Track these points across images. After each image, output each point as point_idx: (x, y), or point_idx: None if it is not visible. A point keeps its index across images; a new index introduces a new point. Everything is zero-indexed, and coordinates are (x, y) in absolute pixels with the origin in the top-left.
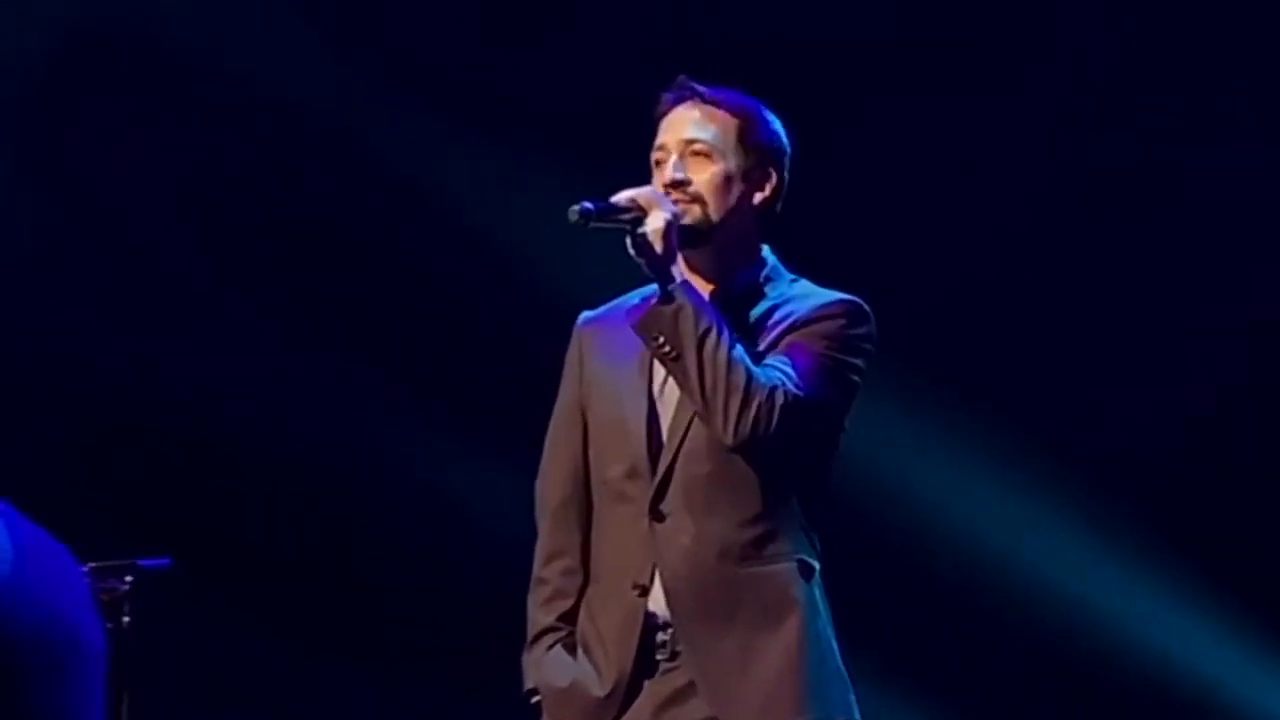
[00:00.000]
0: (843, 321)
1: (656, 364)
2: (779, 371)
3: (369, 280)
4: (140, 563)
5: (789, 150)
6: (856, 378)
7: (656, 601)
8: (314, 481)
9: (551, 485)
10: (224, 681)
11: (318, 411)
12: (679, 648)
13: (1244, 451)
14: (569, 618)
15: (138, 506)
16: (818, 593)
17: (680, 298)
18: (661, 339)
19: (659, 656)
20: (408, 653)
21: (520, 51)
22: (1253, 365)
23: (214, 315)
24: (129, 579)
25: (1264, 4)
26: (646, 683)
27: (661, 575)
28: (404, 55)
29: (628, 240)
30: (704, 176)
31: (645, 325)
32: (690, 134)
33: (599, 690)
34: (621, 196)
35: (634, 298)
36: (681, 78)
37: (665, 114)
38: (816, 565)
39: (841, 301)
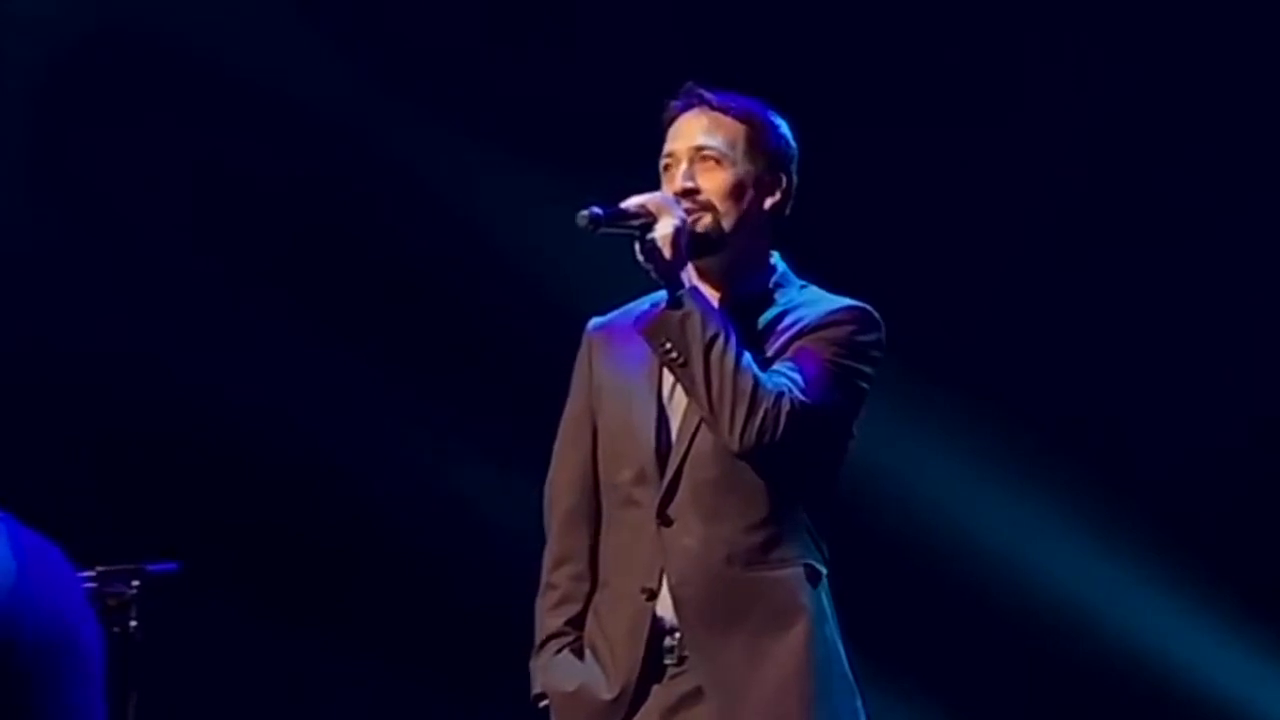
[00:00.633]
0: (851, 328)
1: (666, 369)
2: (786, 378)
3: (379, 283)
4: (147, 567)
5: (797, 152)
6: (864, 384)
7: (664, 606)
8: (323, 486)
9: (560, 490)
10: (231, 685)
11: (327, 416)
12: (686, 652)
13: (1256, 454)
14: (577, 622)
15: (145, 510)
16: (825, 598)
17: (688, 304)
18: (669, 345)
19: (666, 661)
20: (416, 657)
21: (534, 56)
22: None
23: (223, 318)
24: (136, 583)
25: None
26: (654, 687)
27: (669, 580)
28: (417, 58)
29: (636, 246)
30: (714, 184)
31: (653, 331)
32: (699, 141)
33: (606, 694)
34: (631, 202)
35: (643, 304)
36: (689, 84)
37: (673, 121)
38: (824, 570)
39: (850, 308)
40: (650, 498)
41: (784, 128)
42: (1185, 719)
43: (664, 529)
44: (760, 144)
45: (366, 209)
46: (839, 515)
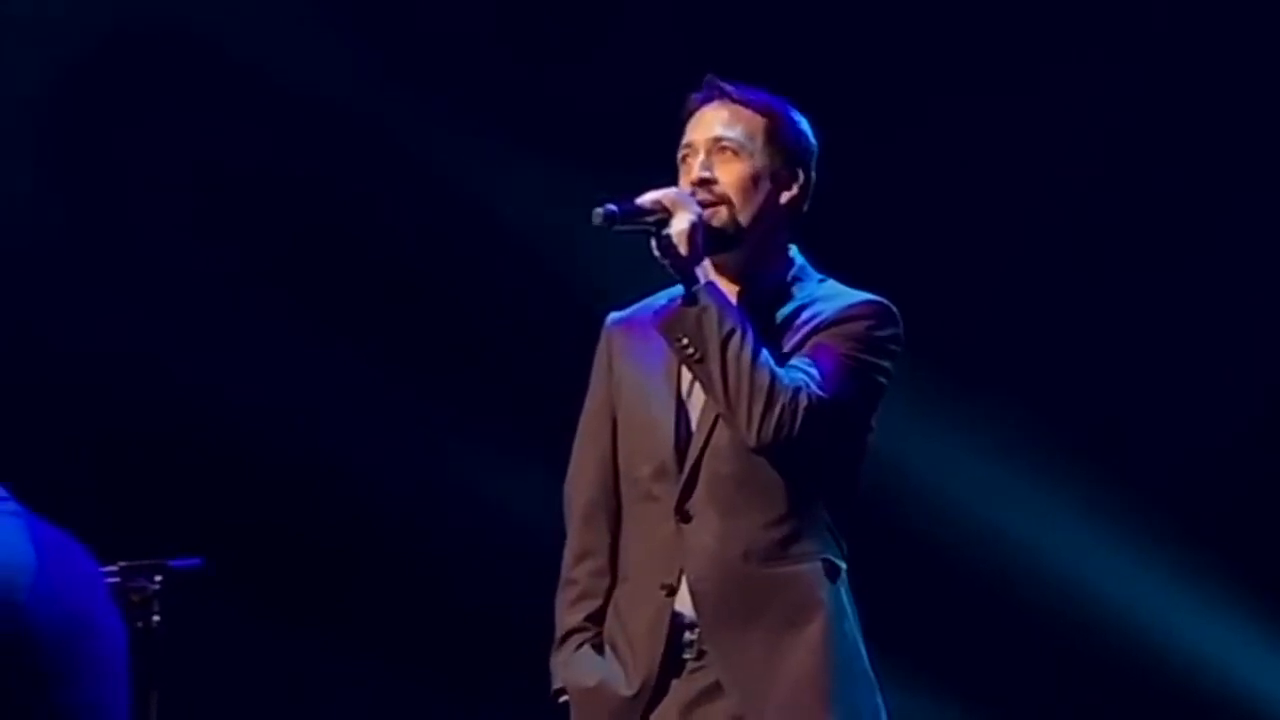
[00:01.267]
0: (869, 322)
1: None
2: (803, 373)
3: (383, 281)
4: (170, 563)
5: (816, 149)
6: (882, 379)
7: (683, 602)
8: (344, 482)
9: (580, 486)
10: (253, 681)
11: (348, 412)
12: (705, 648)
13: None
14: (597, 618)
15: (168, 506)
16: (844, 593)
17: (704, 299)
18: (685, 341)
19: (686, 656)
20: (436, 652)
21: (548, 50)
22: None
23: (244, 315)
24: (159, 579)
25: None
26: (673, 682)
27: (687, 575)
28: (430, 53)
29: (652, 242)
30: (731, 176)
31: (669, 327)
32: (717, 132)
33: (626, 690)
34: (646, 198)
35: (661, 298)
36: (709, 77)
37: (693, 113)
38: (843, 566)
39: (868, 302)
40: (669, 493)
41: (804, 124)
42: (1206, 713)
43: (683, 525)
44: (779, 138)
45: (370, 206)
46: (858, 511)
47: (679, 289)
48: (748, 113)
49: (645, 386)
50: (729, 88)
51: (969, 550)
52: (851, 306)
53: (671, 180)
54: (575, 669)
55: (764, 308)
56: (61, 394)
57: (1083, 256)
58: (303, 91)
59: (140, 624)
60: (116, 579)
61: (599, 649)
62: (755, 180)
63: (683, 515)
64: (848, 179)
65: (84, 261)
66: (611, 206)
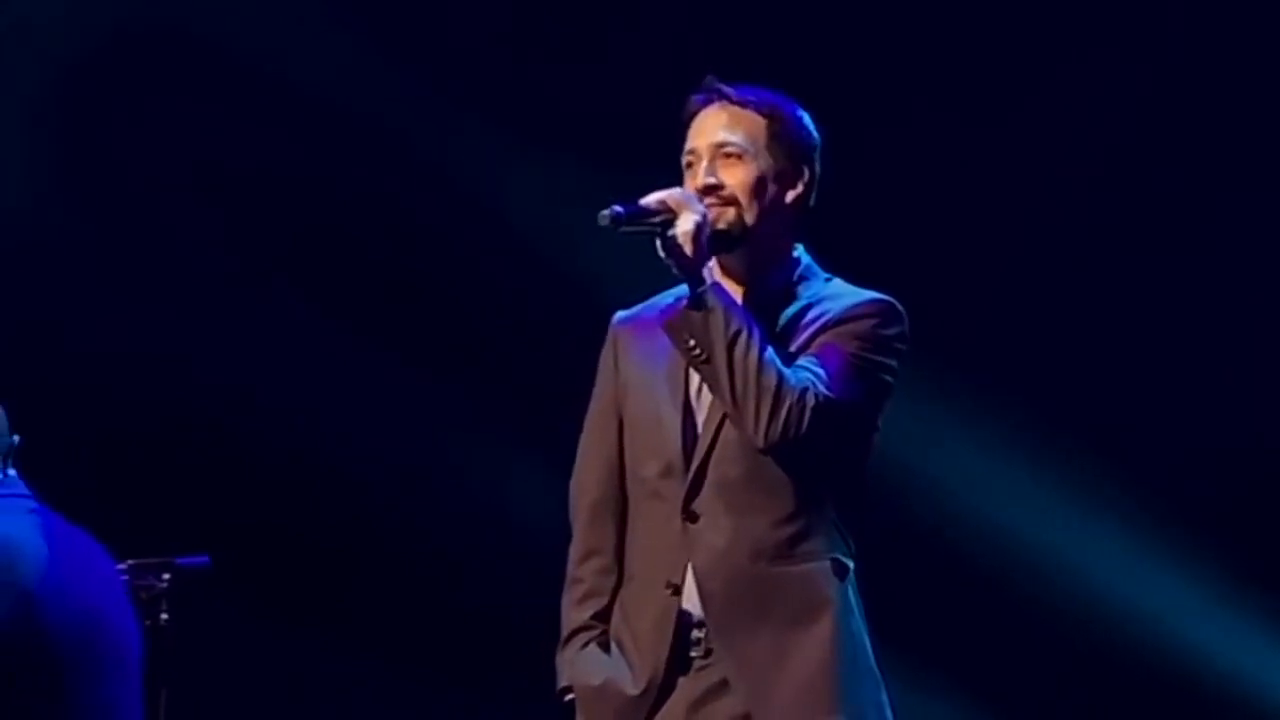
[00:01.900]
0: (875, 321)
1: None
2: (809, 373)
3: (400, 280)
4: (178, 560)
5: (819, 143)
6: (889, 378)
7: (690, 600)
8: (352, 480)
9: (586, 484)
10: (262, 678)
11: (356, 410)
12: (713, 646)
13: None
14: (603, 616)
15: (176, 504)
16: (851, 592)
17: (710, 300)
18: (692, 342)
19: (692, 654)
20: (443, 650)
21: (558, 51)
22: None
23: (252, 313)
24: (167, 576)
25: None
26: (680, 680)
27: (695, 574)
28: (439, 54)
29: (657, 242)
30: (737, 179)
31: (675, 328)
32: (720, 137)
33: (632, 688)
34: (651, 199)
35: (668, 297)
36: (709, 78)
37: (694, 116)
38: (850, 564)
39: (874, 301)
40: (676, 492)
41: (805, 119)
42: (1212, 707)
43: (689, 524)
44: (782, 137)
45: (371, 205)
46: (866, 509)
47: (685, 288)
48: (749, 114)
49: (652, 386)
50: (729, 90)
51: (975, 548)
52: (857, 305)
53: (677, 181)
54: (581, 667)
55: (770, 307)
56: (63, 393)
57: (1086, 254)
58: (306, 89)
59: (149, 621)
60: (125, 577)
61: (605, 647)
62: (761, 182)
63: (689, 514)
64: (852, 178)
65: (86, 261)
66: (618, 208)
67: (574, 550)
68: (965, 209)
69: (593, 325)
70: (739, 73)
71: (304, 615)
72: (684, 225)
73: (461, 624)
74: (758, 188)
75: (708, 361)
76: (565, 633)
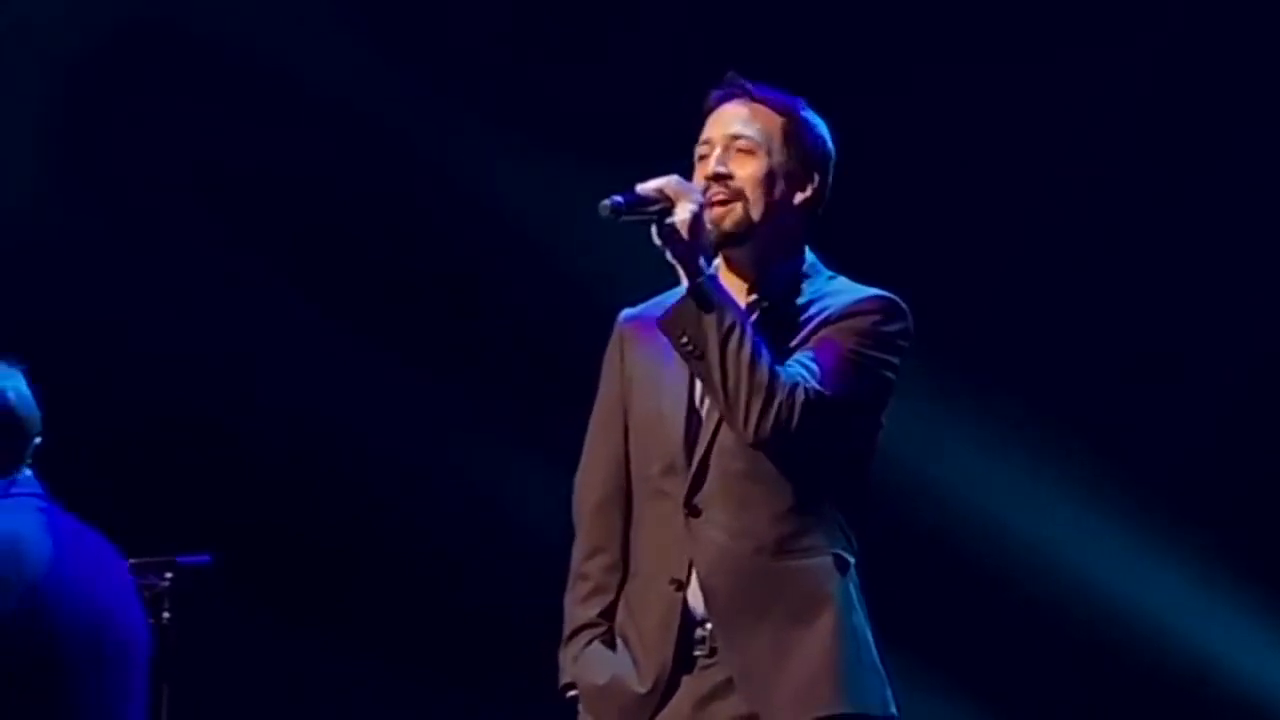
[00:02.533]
0: (875, 318)
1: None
2: (803, 369)
3: (402, 279)
4: (180, 559)
5: (833, 155)
6: (889, 374)
7: (694, 597)
8: (352, 480)
9: (592, 482)
10: (263, 677)
11: (356, 410)
12: (717, 644)
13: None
14: (608, 613)
15: (177, 503)
16: (853, 587)
17: (705, 295)
18: (685, 337)
19: (697, 653)
20: (443, 650)
21: (562, 49)
22: None
23: (252, 313)
24: (169, 575)
25: None
26: (685, 679)
27: (697, 570)
28: (443, 53)
29: (654, 230)
30: (746, 172)
31: (670, 323)
32: (735, 130)
33: (639, 686)
34: (649, 186)
35: (673, 296)
36: (730, 74)
37: (712, 109)
38: (852, 560)
39: (875, 297)
40: (678, 488)
41: (822, 128)
42: (1214, 706)
43: (692, 519)
44: (796, 138)
45: (380, 204)
46: (870, 506)
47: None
48: (767, 111)
49: (656, 383)
50: (750, 86)
51: (977, 546)
52: (858, 301)
53: (683, 174)
54: (585, 665)
55: (774, 305)
56: (63, 393)
57: (1086, 254)
58: (306, 89)
59: (150, 620)
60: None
61: (609, 645)
62: (770, 178)
63: (692, 510)
64: (855, 175)
65: (86, 261)
66: (617, 198)
67: (578, 547)
68: (967, 209)
69: (593, 324)
70: (747, 70)
71: (304, 615)
72: (681, 213)
73: (461, 624)
74: (766, 183)
75: (701, 357)
76: (569, 630)
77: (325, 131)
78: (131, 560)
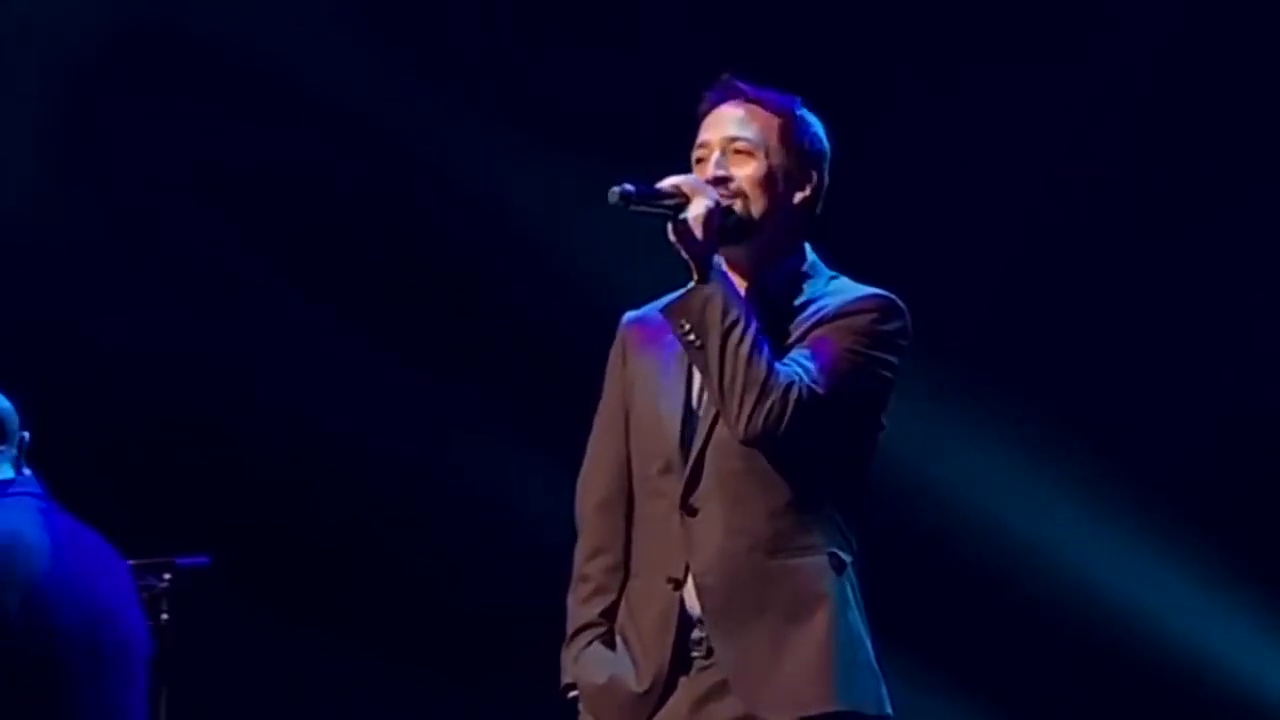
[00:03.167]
0: (873, 316)
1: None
2: (799, 367)
3: (403, 278)
4: (179, 560)
5: (830, 152)
6: (887, 373)
7: (691, 596)
8: (352, 480)
9: (594, 483)
10: (262, 678)
11: (357, 410)
12: (713, 645)
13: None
14: (609, 614)
15: (176, 504)
16: (849, 586)
17: (711, 288)
18: (687, 326)
19: (694, 654)
20: (443, 650)
21: (564, 46)
22: None
23: (252, 313)
24: (167, 576)
25: None
26: (682, 680)
27: (692, 569)
28: (444, 51)
29: (668, 227)
30: (745, 173)
31: (674, 311)
32: (733, 131)
33: (637, 686)
34: (665, 183)
35: (672, 297)
36: (726, 76)
37: (708, 112)
38: (849, 559)
39: (873, 296)
40: (675, 488)
41: (818, 126)
42: (1214, 706)
43: (688, 519)
44: (793, 138)
45: (380, 204)
46: (867, 505)
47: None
48: (763, 112)
49: (657, 385)
50: (745, 87)
51: (977, 547)
52: (856, 300)
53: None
54: (586, 665)
55: (773, 303)
56: (63, 394)
57: (1087, 254)
58: (306, 88)
59: (149, 622)
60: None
61: (610, 645)
62: (769, 179)
63: (688, 509)
64: (852, 177)
65: (86, 261)
66: (629, 187)
67: (581, 548)
68: (966, 207)
69: (595, 325)
70: (742, 71)
71: (304, 615)
72: (696, 210)
73: (461, 624)
74: (766, 183)
75: (701, 348)
76: (571, 629)
77: (325, 131)
78: (131, 561)
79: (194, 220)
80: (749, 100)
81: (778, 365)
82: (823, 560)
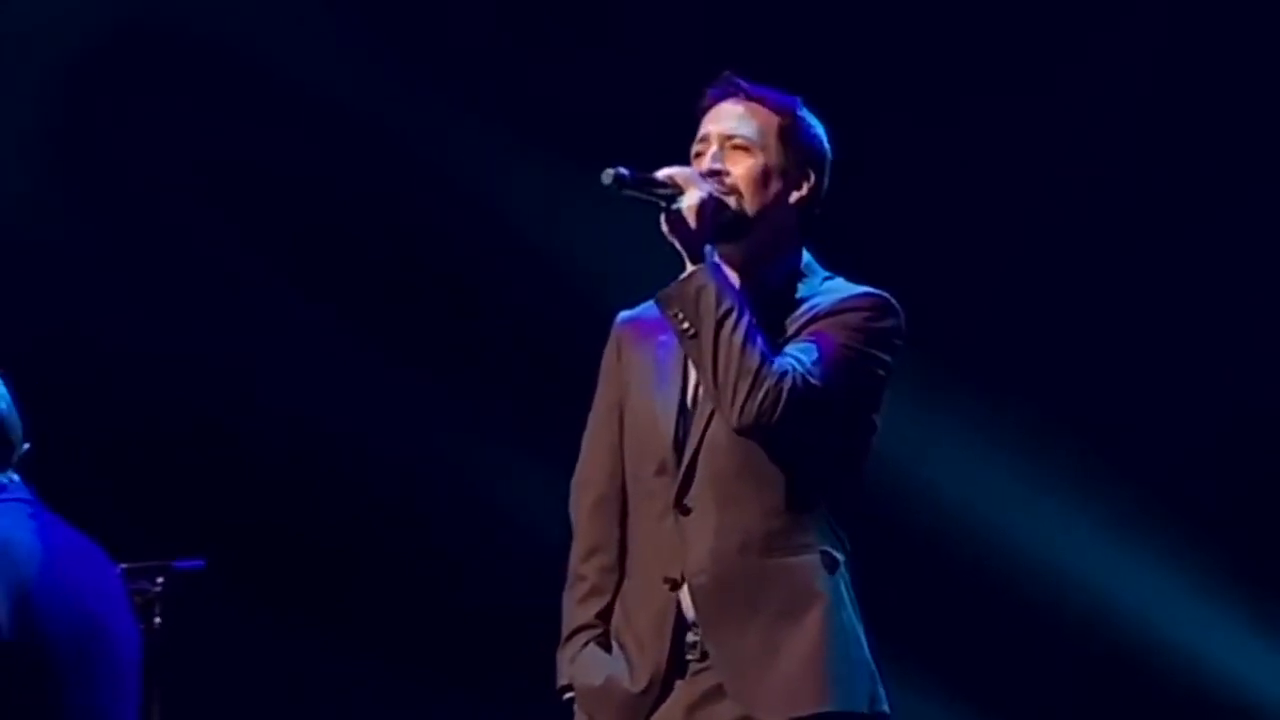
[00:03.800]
0: (867, 314)
1: (691, 362)
2: (794, 359)
3: (400, 279)
4: (173, 564)
5: (829, 155)
6: (880, 371)
7: (687, 597)
8: (351, 480)
9: (588, 483)
10: (256, 682)
11: (356, 410)
12: (707, 647)
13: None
14: (605, 615)
15: (175, 505)
16: (843, 585)
17: (706, 277)
18: (681, 315)
19: (689, 657)
20: (443, 650)
21: (559, 48)
22: None
23: (253, 312)
24: (161, 580)
25: None
26: (678, 683)
27: (686, 568)
28: (439, 53)
29: (662, 217)
30: (742, 169)
31: (668, 300)
32: (731, 128)
33: (634, 687)
34: (661, 173)
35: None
36: (726, 73)
37: (709, 108)
38: (842, 558)
39: (867, 294)
40: (669, 488)
41: (818, 128)
42: (1208, 708)
43: (682, 519)
44: (791, 137)
45: (380, 205)
46: (860, 504)
47: None
48: (763, 110)
49: (651, 385)
50: (746, 85)
51: (971, 548)
52: (851, 298)
53: None
54: (582, 666)
55: (768, 301)
56: (63, 394)
57: (1080, 255)
58: (305, 89)
59: (142, 626)
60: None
61: (606, 646)
62: (765, 176)
63: (681, 509)
64: (846, 179)
65: (85, 261)
66: (623, 170)
67: (576, 548)
68: (960, 208)
69: (593, 325)
70: (741, 71)
71: (304, 615)
72: (690, 200)
73: (461, 624)
74: (761, 180)
75: (695, 337)
76: (566, 631)
77: (324, 132)
78: (124, 565)
79: (192, 221)
80: (749, 98)
81: (772, 356)
82: (816, 559)
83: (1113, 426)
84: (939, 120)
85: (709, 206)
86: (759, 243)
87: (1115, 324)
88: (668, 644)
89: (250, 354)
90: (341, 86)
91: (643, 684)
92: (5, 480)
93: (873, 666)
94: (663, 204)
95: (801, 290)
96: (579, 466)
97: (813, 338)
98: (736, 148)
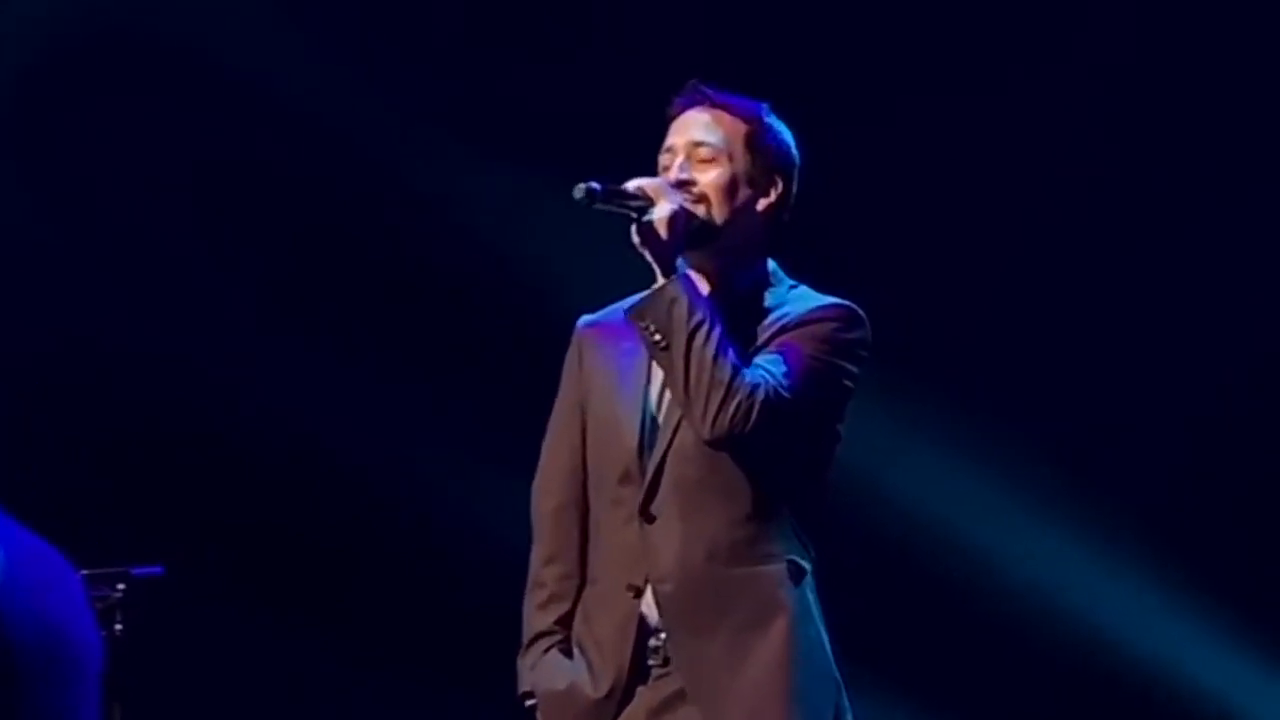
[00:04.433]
0: (834, 325)
1: (655, 366)
2: (765, 371)
3: (376, 284)
4: (133, 570)
5: (797, 161)
6: (847, 381)
7: (650, 605)
8: (350, 481)
9: (548, 488)
10: (217, 690)
11: (355, 410)
12: (670, 654)
13: (1248, 457)
14: (565, 621)
15: (131, 513)
16: (809, 595)
17: (677, 289)
18: (653, 328)
19: (651, 663)
20: (443, 650)
21: (530, 56)
22: (1261, 367)
23: (216, 320)
24: (121, 586)
25: None
26: (640, 689)
27: (650, 577)
28: (424, 63)
29: (633, 228)
30: (709, 178)
31: (640, 312)
32: (698, 136)
33: (595, 693)
34: (631, 185)
35: (634, 300)
36: (692, 81)
37: (675, 117)
38: (808, 567)
39: (835, 306)
40: (634, 495)
41: (785, 133)
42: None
43: (647, 526)
44: (759, 144)
45: (361, 210)
46: (826, 514)
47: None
48: (729, 118)
49: (614, 389)
50: (711, 92)
51: (941, 560)
52: (819, 309)
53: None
54: (544, 672)
55: (736, 310)
56: (62, 394)
57: (1053, 265)
58: (294, 96)
59: (103, 632)
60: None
61: (567, 652)
62: (733, 184)
63: (647, 516)
64: (821, 184)
65: (83, 261)
66: (595, 185)
67: (536, 554)
68: (931, 217)
69: (562, 329)
70: (710, 77)
71: (302, 615)
72: (660, 211)
73: (461, 624)
74: (729, 189)
75: (666, 349)
76: (527, 637)
77: (321, 134)
78: (84, 571)
79: (180, 226)
80: (715, 105)
81: (743, 368)
82: (781, 569)
83: (1084, 437)
84: (905, 127)
85: (680, 218)
86: (727, 250)
87: (1086, 334)
88: (630, 649)
89: (249, 354)
90: (318, 95)
91: (605, 689)
92: None
93: (838, 677)
94: (634, 215)
95: (769, 299)
96: (539, 470)
97: (782, 348)
98: (703, 159)
